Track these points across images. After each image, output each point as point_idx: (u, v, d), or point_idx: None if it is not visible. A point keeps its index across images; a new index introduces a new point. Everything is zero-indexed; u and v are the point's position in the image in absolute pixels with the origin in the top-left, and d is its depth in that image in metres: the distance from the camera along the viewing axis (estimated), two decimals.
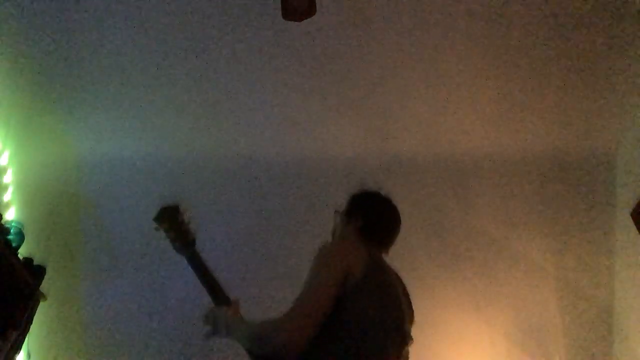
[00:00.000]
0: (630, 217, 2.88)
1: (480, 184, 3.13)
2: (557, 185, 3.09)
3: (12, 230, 2.63)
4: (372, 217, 1.68)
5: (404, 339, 1.51)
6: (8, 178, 2.85)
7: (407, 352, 1.54)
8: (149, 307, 3.16)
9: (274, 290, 3.00)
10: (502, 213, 3.14)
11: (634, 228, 2.85)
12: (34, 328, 2.64)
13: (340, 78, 2.81)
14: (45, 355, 2.95)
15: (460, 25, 2.58)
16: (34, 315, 2.63)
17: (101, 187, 3.11)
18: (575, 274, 3.13)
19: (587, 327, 3.13)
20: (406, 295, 1.61)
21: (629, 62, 2.66)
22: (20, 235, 2.68)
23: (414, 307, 1.63)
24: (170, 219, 1.67)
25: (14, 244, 2.58)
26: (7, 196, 2.81)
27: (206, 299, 1.67)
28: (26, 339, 2.58)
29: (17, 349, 2.50)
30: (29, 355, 2.71)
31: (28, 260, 2.68)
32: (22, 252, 2.64)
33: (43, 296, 2.70)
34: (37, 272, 2.72)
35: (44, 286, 2.73)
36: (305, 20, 2.23)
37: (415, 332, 1.58)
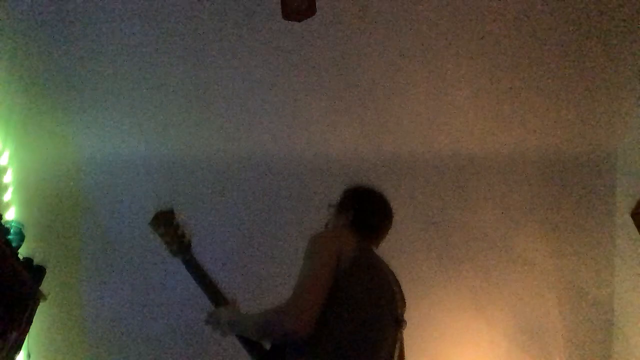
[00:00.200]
0: (631, 217, 2.88)
1: (480, 184, 3.13)
2: (557, 185, 3.09)
3: (12, 230, 2.63)
4: (363, 211, 1.72)
5: (398, 322, 1.54)
6: (8, 178, 2.85)
7: (401, 337, 1.56)
8: (148, 307, 3.16)
9: (273, 289, 3.00)
10: (502, 213, 3.14)
11: (634, 228, 2.85)
12: (34, 328, 2.63)
13: (340, 78, 2.81)
14: (45, 355, 2.95)
15: (460, 25, 2.58)
16: (34, 315, 2.63)
17: (101, 187, 3.11)
18: (575, 274, 3.13)
19: (587, 327, 3.13)
20: (396, 282, 1.64)
21: (629, 62, 2.66)
22: (20, 235, 2.68)
23: (411, 303, 1.66)
24: (165, 224, 1.68)
25: (14, 244, 2.58)
26: (7, 196, 2.81)
27: (206, 299, 1.67)
28: (26, 339, 2.58)
29: (17, 349, 2.50)
30: (29, 355, 2.71)
31: (28, 260, 2.68)
32: (22, 252, 2.64)
33: (43, 296, 2.70)
34: (37, 272, 2.72)
35: (44, 286, 2.73)
36: (305, 20, 2.23)
37: (415, 332, 1.59)
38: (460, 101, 2.89)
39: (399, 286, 1.64)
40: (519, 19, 2.54)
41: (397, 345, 1.52)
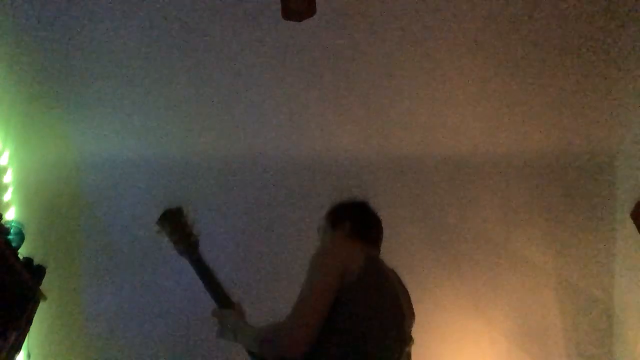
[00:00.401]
0: (630, 218, 2.88)
1: (480, 184, 3.13)
2: (557, 186, 3.09)
3: (12, 230, 2.63)
4: (358, 219, 1.72)
5: (404, 339, 1.51)
6: (8, 178, 2.85)
7: (409, 354, 1.54)
8: (148, 307, 3.16)
9: (275, 289, 3.01)
10: (502, 213, 3.14)
11: (634, 228, 2.85)
12: (34, 328, 2.64)
13: (340, 78, 2.81)
14: (45, 355, 2.95)
15: (460, 26, 2.58)
16: (34, 315, 2.63)
17: (101, 187, 3.11)
18: (575, 274, 3.13)
19: (587, 327, 3.13)
20: (406, 295, 1.61)
21: (629, 62, 2.66)
22: (20, 235, 2.68)
23: (414, 307, 1.63)
24: (173, 222, 1.66)
25: (14, 244, 2.58)
26: (7, 196, 2.81)
27: (206, 299, 1.67)
28: (26, 339, 2.58)
29: (17, 349, 2.50)
30: (29, 355, 2.71)
31: (28, 260, 2.68)
32: (22, 252, 2.64)
33: (43, 296, 2.70)
34: (37, 272, 2.72)
35: (44, 286, 2.73)
36: (305, 20, 2.23)
37: (415, 332, 1.58)
38: (460, 101, 2.89)
39: (408, 297, 1.61)
40: (519, 20, 2.53)
41: None
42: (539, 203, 3.11)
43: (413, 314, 1.60)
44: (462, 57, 2.71)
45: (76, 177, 3.08)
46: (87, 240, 3.14)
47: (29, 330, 2.59)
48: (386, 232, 1.78)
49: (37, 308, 2.66)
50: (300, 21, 2.25)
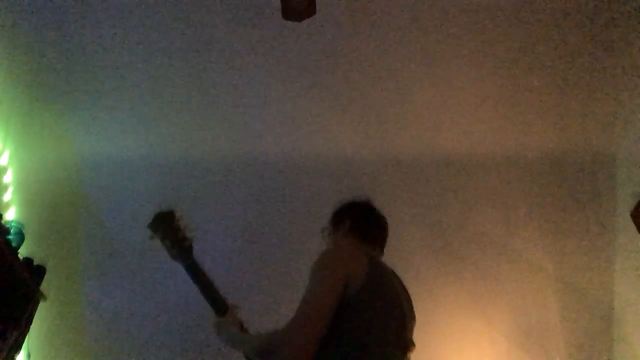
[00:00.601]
0: (630, 217, 2.88)
1: (480, 184, 3.13)
2: (557, 186, 3.09)
3: (12, 230, 2.64)
4: (358, 216, 1.70)
5: (406, 345, 1.50)
6: (8, 178, 2.85)
7: (409, 358, 1.52)
8: (148, 307, 3.16)
9: (275, 290, 3.01)
10: (502, 213, 3.14)
11: (634, 228, 2.85)
12: (34, 328, 2.64)
13: (340, 78, 2.81)
14: (45, 355, 2.95)
15: (460, 26, 2.58)
16: (34, 315, 2.64)
17: (101, 187, 3.11)
18: (575, 274, 3.13)
19: (587, 327, 3.13)
20: (407, 297, 1.60)
21: (629, 62, 2.66)
22: (20, 235, 2.68)
23: (412, 304, 1.62)
24: (166, 226, 1.60)
25: (14, 244, 2.58)
26: (7, 196, 2.81)
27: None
28: (26, 339, 2.58)
29: (17, 349, 2.50)
30: (29, 355, 2.71)
31: (28, 260, 2.69)
32: (22, 252, 2.64)
33: (43, 296, 2.70)
34: (37, 272, 2.73)
35: (44, 286, 2.73)
36: (305, 20, 2.23)
37: (415, 332, 1.58)
38: (460, 101, 2.89)
39: (409, 300, 1.60)
40: (520, 20, 2.54)
41: None
42: (539, 203, 3.11)
43: (414, 317, 1.59)
44: (462, 57, 2.71)
45: (76, 177, 3.08)
46: (87, 240, 3.14)
47: (29, 330, 2.59)
48: None
49: (37, 308, 2.67)
50: (300, 21, 2.26)
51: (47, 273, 2.79)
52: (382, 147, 3.10)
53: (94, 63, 2.71)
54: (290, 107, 2.95)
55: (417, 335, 1.58)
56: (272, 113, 2.98)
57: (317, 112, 2.97)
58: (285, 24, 2.33)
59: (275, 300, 2.92)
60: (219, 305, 1.63)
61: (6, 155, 2.85)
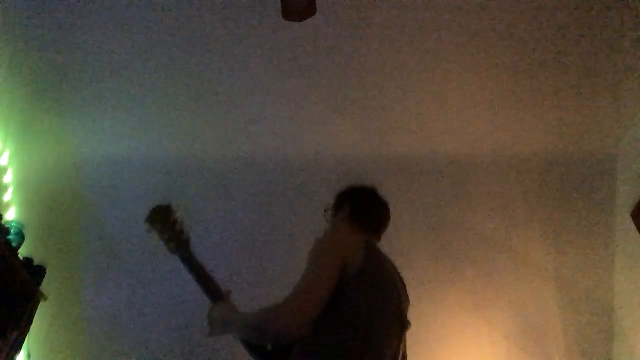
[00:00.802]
0: (630, 217, 2.88)
1: (479, 184, 3.13)
2: (557, 185, 3.09)
3: (12, 230, 2.64)
4: (359, 203, 1.73)
5: (403, 324, 1.54)
6: (8, 178, 2.86)
7: (405, 337, 1.57)
8: (148, 307, 3.16)
9: (275, 289, 3.00)
10: (502, 213, 3.14)
11: (634, 228, 2.85)
12: (34, 328, 2.64)
13: (340, 78, 2.81)
14: (45, 355, 2.95)
15: (460, 26, 2.58)
16: (34, 315, 2.64)
17: (101, 187, 3.11)
18: (575, 274, 3.13)
19: (587, 327, 3.13)
20: (402, 282, 1.64)
21: (629, 62, 2.66)
22: (20, 235, 2.68)
23: (411, 303, 1.66)
24: (163, 220, 1.61)
25: (14, 244, 2.58)
26: (7, 196, 2.82)
27: (205, 299, 1.67)
28: (26, 339, 2.59)
29: (17, 349, 2.50)
30: (29, 355, 2.71)
31: (28, 260, 2.69)
32: (22, 252, 2.65)
33: (43, 296, 2.70)
34: (37, 272, 2.73)
35: (44, 286, 2.73)
36: (305, 20, 2.23)
37: (415, 332, 1.59)
38: (460, 101, 2.89)
39: (403, 283, 1.64)
40: (520, 20, 2.54)
41: (401, 347, 1.52)
42: (539, 203, 3.11)
43: (408, 299, 1.63)
44: (462, 57, 2.71)
45: (76, 177, 3.08)
46: (87, 240, 3.13)
47: (29, 330, 2.59)
48: (386, 231, 1.78)
49: (37, 308, 2.67)
50: (300, 21, 2.25)
51: (47, 273, 2.79)
52: (382, 147, 3.10)
53: (93, 63, 2.71)
54: (290, 106, 2.95)
55: (417, 335, 1.59)
56: (272, 113, 2.98)
57: (317, 112, 2.97)
58: (285, 24, 2.32)
59: (275, 300, 2.92)
60: (216, 297, 1.63)
61: (6, 155, 2.85)
